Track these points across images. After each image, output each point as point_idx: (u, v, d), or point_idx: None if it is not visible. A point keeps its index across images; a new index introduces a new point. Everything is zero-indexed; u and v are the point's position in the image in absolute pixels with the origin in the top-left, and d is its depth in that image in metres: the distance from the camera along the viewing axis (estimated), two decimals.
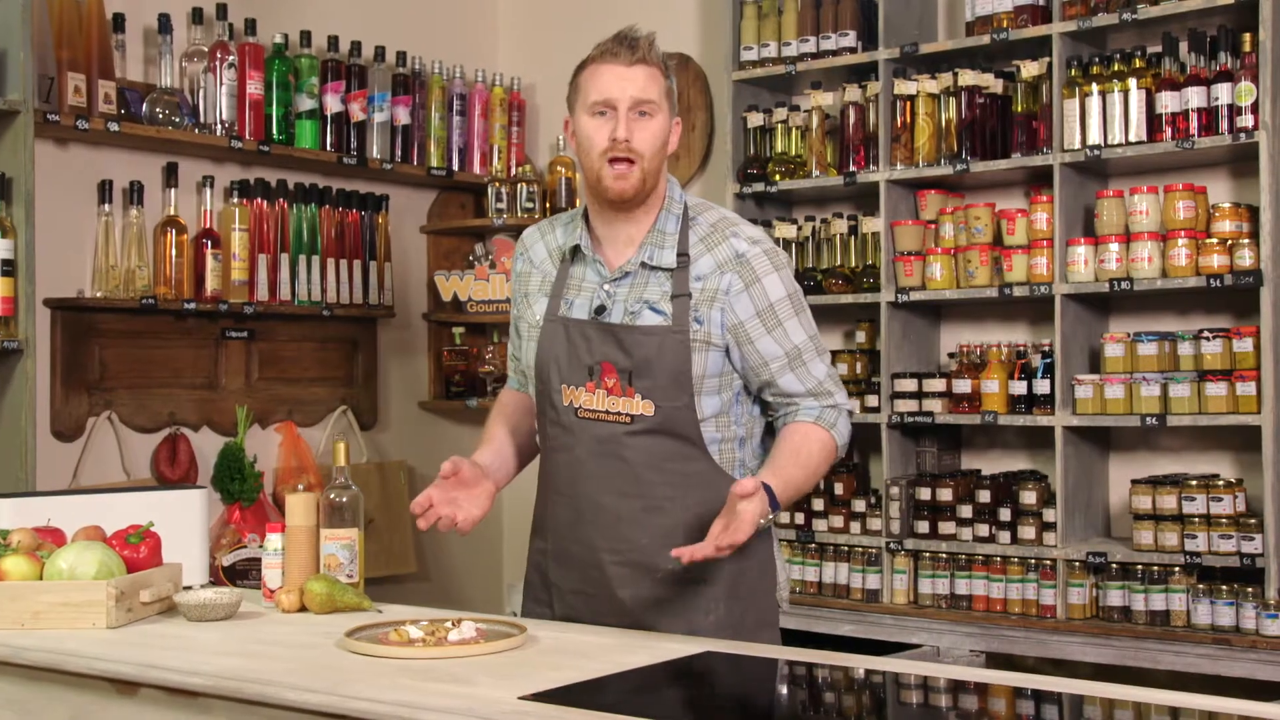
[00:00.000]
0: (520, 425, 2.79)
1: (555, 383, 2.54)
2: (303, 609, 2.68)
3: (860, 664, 2.29)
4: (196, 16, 4.26)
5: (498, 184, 5.04)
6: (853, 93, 4.30)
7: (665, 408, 2.47)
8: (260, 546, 4.32)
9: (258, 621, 2.60)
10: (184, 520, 3.00)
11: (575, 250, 2.59)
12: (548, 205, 5.13)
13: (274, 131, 4.43)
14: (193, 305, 4.20)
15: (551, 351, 2.54)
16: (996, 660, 3.92)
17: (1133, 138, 3.82)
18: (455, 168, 5.02)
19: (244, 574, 4.21)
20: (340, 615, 2.62)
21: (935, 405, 4.13)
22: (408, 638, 2.29)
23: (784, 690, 2.19)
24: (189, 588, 2.85)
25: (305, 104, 4.51)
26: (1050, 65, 3.94)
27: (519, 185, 5.06)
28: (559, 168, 5.14)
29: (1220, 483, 3.72)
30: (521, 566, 5.14)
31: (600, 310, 2.52)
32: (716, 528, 2.31)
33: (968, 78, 4.08)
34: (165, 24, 4.15)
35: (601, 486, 2.49)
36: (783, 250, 2.59)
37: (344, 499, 2.77)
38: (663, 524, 2.48)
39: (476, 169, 5.09)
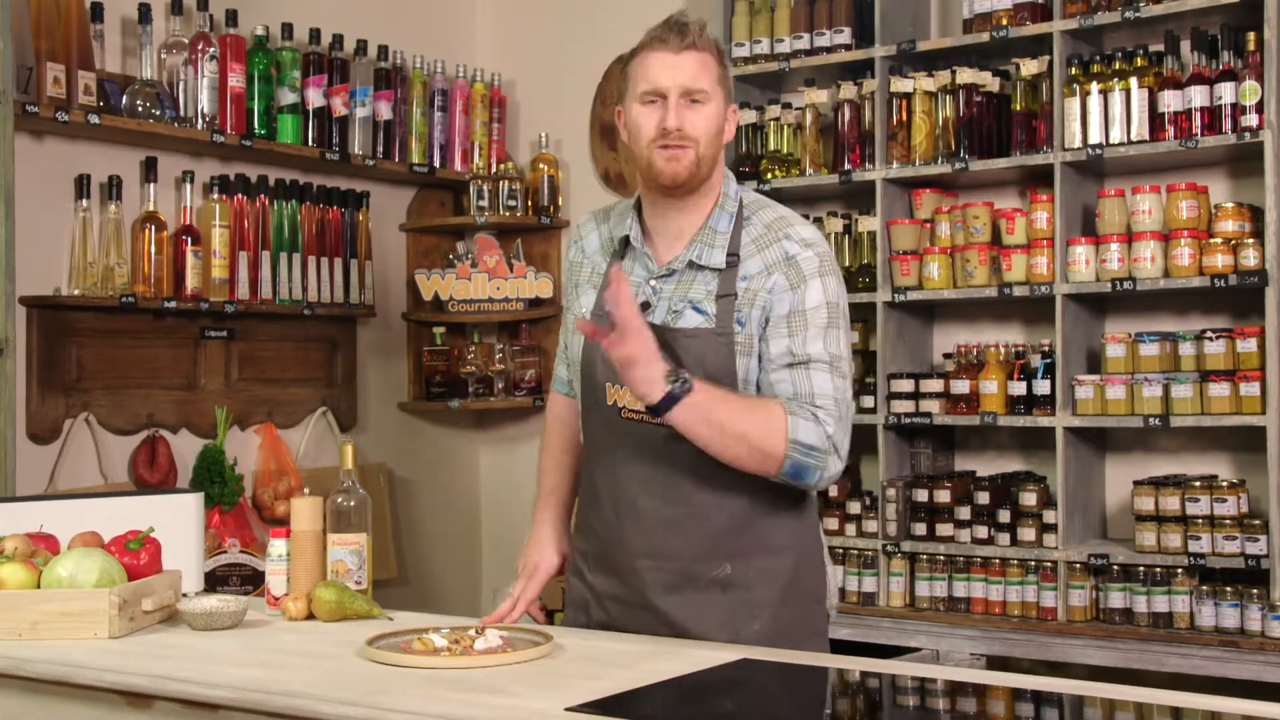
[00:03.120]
0: (577, 447, 2.65)
1: (600, 380, 2.45)
2: (310, 616, 2.59)
3: (903, 670, 2.24)
4: (176, 7, 4.14)
5: (480, 181, 4.95)
6: (848, 90, 4.25)
7: None
8: (241, 551, 4.23)
9: (266, 630, 2.51)
10: (178, 525, 2.90)
11: (625, 241, 2.50)
12: (529, 203, 5.05)
13: (255, 126, 4.31)
14: (173, 304, 4.08)
15: (597, 348, 2.42)
16: (999, 663, 3.87)
17: (1134, 136, 3.79)
18: (436, 164, 4.93)
19: (224, 580, 4.09)
20: (350, 623, 2.53)
21: (932, 406, 4.09)
22: (433, 646, 2.20)
23: (851, 698, 2.14)
24: (184, 595, 2.75)
25: (287, 98, 4.40)
26: (1050, 63, 3.91)
27: (501, 183, 4.97)
28: (540, 165, 5.06)
29: (1224, 484, 3.69)
30: (501, 571, 5.09)
31: (645, 307, 2.41)
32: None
33: (966, 75, 4.05)
34: (145, 14, 4.03)
35: (642, 490, 2.40)
36: (833, 256, 2.46)
37: (351, 503, 2.69)
38: (705, 530, 2.39)
39: (457, 166, 5.00)
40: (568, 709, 1.85)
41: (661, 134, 2.36)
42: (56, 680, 2.21)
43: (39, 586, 2.47)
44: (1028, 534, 3.92)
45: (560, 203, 5.09)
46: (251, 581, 4.10)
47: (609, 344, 2.20)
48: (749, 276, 2.40)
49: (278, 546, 2.70)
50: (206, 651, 2.31)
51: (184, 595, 2.70)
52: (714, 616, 2.39)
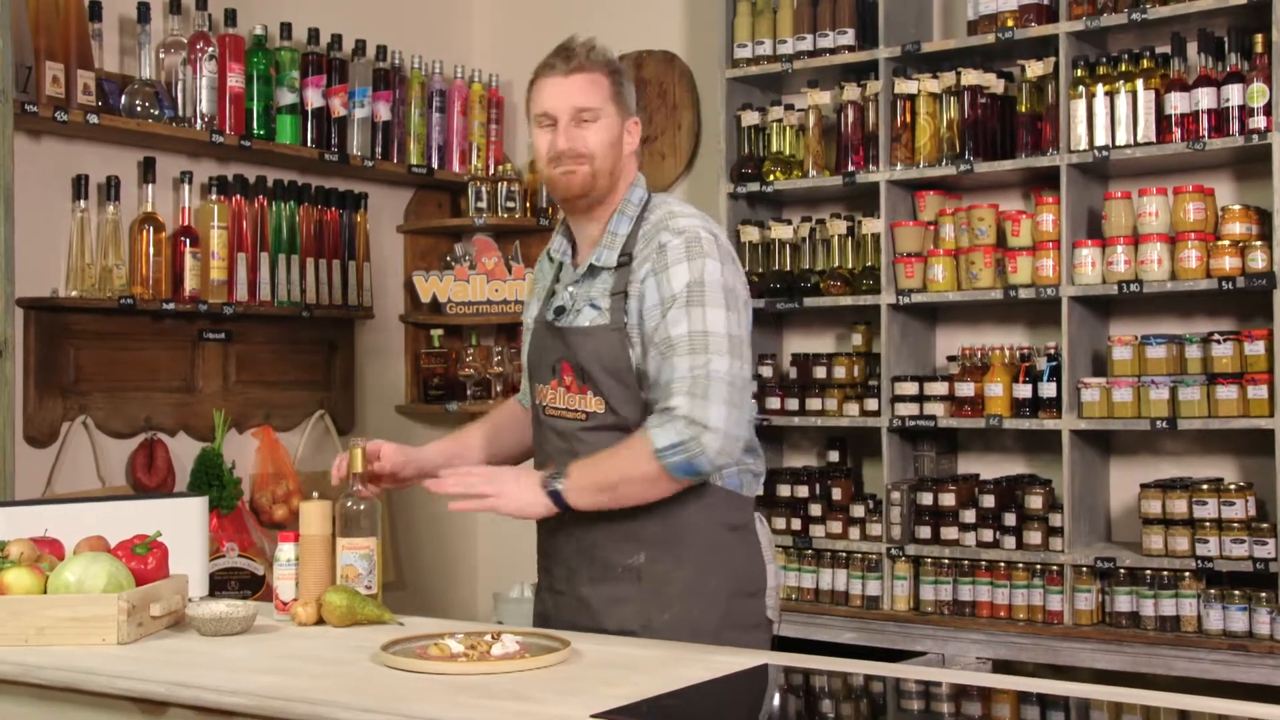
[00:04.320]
0: (499, 430, 2.90)
1: (534, 382, 2.66)
2: (320, 621, 2.56)
3: (908, 674, 2.22)
4: (174, 6, 4.10)
5: (478, 182, 4.92)
6: (851, 91, 4.23)
7: (614, 404, 2.50)
8: (240, 555, 4.19)
9: (276, 635, 2.48)
10: (182, 529, 2.85)
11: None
12: (528, 205, 5.02)
13: (254, 126, 4.27)
14: (171, 306, 4.04)
15: (534, 352, 2.66)
16: (1005, 667, 3.85)
17: (1141, 139, 3.78)
18: (434, 165, 4.90)
19: (223, 584, 4.05)
20: (361, 628, 2.51)
21: (936, 409, 4.07)
22: (449, 652, 2.18)
23: (855, 702, 2.11)
24: (191, 600, 2.72)
25: (286, 98, 4.37)
26: (1056, 65, 3.90)
27: (499, 184, 4.94)
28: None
29: (1231, 486, 3.68)
30: (499, 575, 5.06)
31: (560, 311, 2.59)
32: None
33: (971, 77, 4.03)
34: (144, 13, 3.99)
35: None
36: (714, 240, 2.49)
37: (361, 506, 2.66)
38: (620, 521, 2.49)
39: (455, 167, 4.97)
40: (594, 715, 1.82)
41: (556, 155, 2.53)
42: (67, 687, 2.18)
43: (45, 592, 2.43)
44: (1033, 537, 3.90)
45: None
46: (250, 586, 4.06)
47: (488, 507, 2.48)
48: (634, 271, 2.52)
49: (286, 551, 2.67)
50: (218, 657, 2.28)
51: (190, 600, 2.67)
52: (630, 606, 2.49)
